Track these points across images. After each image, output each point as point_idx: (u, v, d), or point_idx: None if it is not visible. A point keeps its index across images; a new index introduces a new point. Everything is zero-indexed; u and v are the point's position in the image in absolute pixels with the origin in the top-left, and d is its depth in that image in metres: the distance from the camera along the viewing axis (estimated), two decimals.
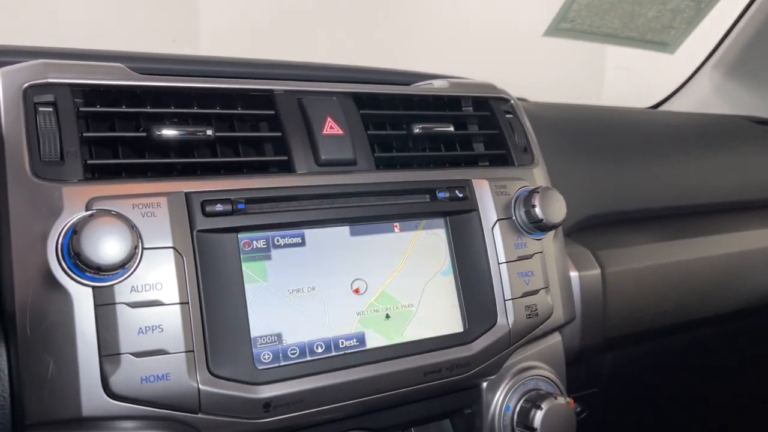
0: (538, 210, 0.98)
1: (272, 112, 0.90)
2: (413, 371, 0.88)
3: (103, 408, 0.71)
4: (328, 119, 0.92)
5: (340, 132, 0.92)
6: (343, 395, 0.84)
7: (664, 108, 1.99)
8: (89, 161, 0.77)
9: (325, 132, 0.91)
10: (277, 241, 0.84)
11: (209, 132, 0.84)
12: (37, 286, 0.70)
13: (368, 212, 0.90)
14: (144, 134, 0.81)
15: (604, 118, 1.53)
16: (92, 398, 0.70)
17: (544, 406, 0.98)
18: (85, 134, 0.78)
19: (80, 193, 0.73)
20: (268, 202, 0.84)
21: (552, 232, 1.05)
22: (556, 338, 1.10)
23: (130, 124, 0.84)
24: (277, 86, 0.92)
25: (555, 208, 0.99)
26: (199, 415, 0.75)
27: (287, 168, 0.88)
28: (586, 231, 1.27)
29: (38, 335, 0.70)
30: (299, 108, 0.92)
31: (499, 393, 1.02)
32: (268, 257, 0.83)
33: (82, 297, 0.71)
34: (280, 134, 0.89)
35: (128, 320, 0.72)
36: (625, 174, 1.40)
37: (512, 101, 1.14)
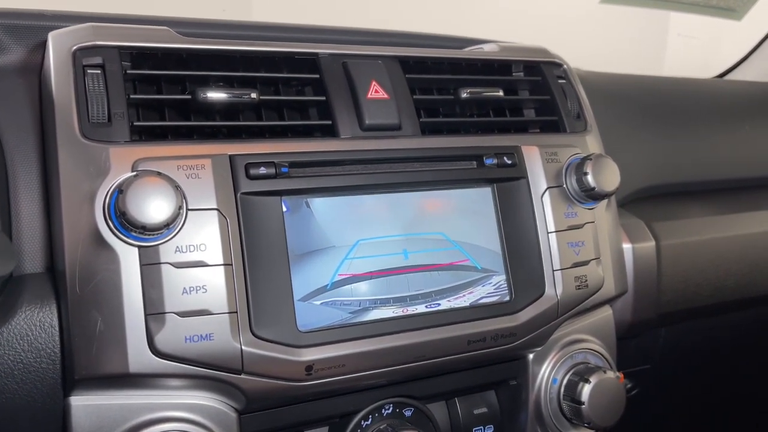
0: (590, 178, 0.95)
1: (317, 75, 0.89)
2: (457, 339, 0.87)
3: (148, 365, 0.72)
4: (373, 83, 0.90)
5: (385, 96, 0.90)
6: (385, 361, 0.83)
7: (729, 77, 1.89)
8: (136, 123, 0.78)
9: (369, 96, 0.89)
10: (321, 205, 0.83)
11: (254, 95, 0.83)
12: (86, 244, 0.72)
13: (412, 178, 0.89)
14: (189, 97, 0.81)
15: (663, 88, 1.46)
16: (138, 355, 0.71)
17: (593, 379, 0.96)
18: (131, 96, 0.79)
19: (126, 154, 0.74)
20: (312, 166, 0.83)
21: (604, 202, 1.02)
22: (606, 311, 1.06)
23: (175, 87, 0.85)
24: (322, 50, 0.91)
25: (608, 176, 0.95)
26: (242, 376, 0.75)
27: (331, 132, 0.87)
28: (641, 202, 1.22)
29: (87, 293, 0.71)
30: (344, 72, 0.90)
31: (546, 365, 1.00)
32: (312, 221, 0.83)
33: (128, 256, 0.72)
34: (324, 98, 0.88)
35: (173, 280, 0.73)
36: (685, 145, 1.34)
37: (565, 66, 1.10)
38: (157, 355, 0.72)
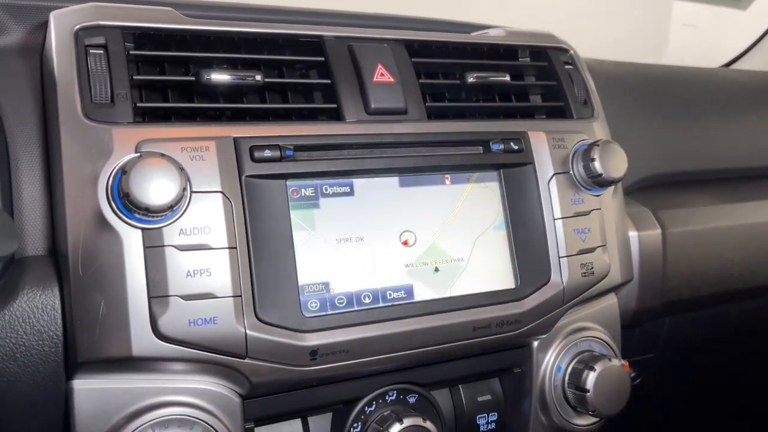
0: (597, 164, 0.94)
1: (322, 58, 0.88)
2: (462, 326, 0.86)
3: (152, 349, 0.71)
4: (379, 66, 0.89)
5: (391, 80, 0.89)
6: (390, 347, 0.82)
7: (735, 67, 1.87)
8: (139, 104, 0.77)
9: (375, 79, 0.88)
10: (326, 189, 0.83)
11: (258, 77, 0.82)
12: (88, 226, 0.71)
13: (418, 163, 0.88)
14: (193, 78, 0.80)
15: (669, 77, 1.45)
16: (142, 338, 0.71)
17: (598, 367, 0.95)
18: (135, 77, 0.77)
19: (130, 135, 0.73)
20: (317, 149, 0.82)
21: (611, 189, 1.01)
22: (611, 300, 1.06)
23: (179, 69, 0.83)
24: (326, 32, 0.90)
25: (615, 163, 0.94)
26: (246, 360, 0.75)
27: (336, 116, 0.86)
28: (647, 191, 1.21)
29: (89, 275, 0.70)
30: (349, 55, 0.89)
31: (551, 353, 0.99)
32: (317, 205, 0.82)
33: (131, 238, 0.71)
34: (329, 81, 0.87)
35: (176, 263, 0.72)
36: (691, 134, 1.33)
37: (572, 52, 1.09)
38: (160, 339, 0.71)
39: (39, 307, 0.72)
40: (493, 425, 1.01)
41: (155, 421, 0.73)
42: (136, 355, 0.71)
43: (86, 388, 0.73)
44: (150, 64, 0.82)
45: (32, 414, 0.73)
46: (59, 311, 0.73)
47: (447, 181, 0.90)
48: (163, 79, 0.80)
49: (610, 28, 2.19)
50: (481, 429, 1.00)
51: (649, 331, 1.19)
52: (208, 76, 0.79)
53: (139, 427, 0.73)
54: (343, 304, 0.81)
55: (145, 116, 0.78)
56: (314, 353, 0.77)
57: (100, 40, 0.77)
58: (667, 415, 1.43)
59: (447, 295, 0.87)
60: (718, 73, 1.69)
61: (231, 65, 0.84)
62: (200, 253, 0.73)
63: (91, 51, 0.77)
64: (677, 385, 1.38)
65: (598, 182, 0.95)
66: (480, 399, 1.01)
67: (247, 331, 0.74)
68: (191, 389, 0.76)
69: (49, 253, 0.78)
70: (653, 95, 1.34)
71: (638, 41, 2.25)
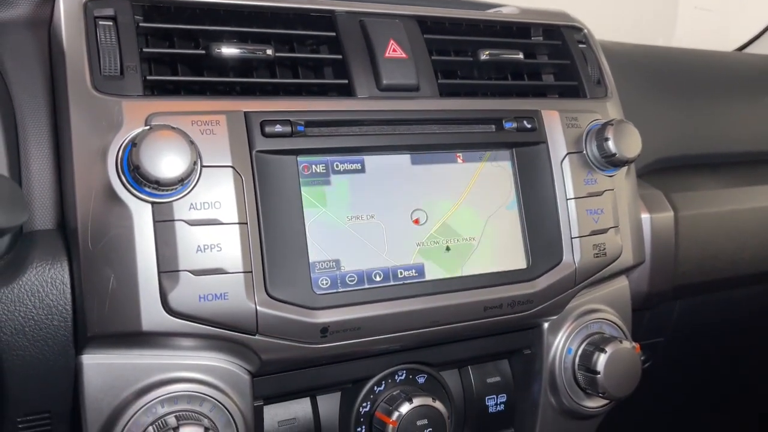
0: (611, 143, 0.92)
1: (333, 34, 0.87)
2: (473, 305, 0.85)
3: (162, 324, 0.70)
4: (391, 42, 0.88)
5: (403, 55, 0.88)
6: (401, 325, 0.82)
7: (748, 51, 1.85)
8: (149, 77, 0.76)
9: (387, 55, 0.87)
10: (337, 166, 0.82)
11: (269, 51, 0.81)
12: (98, 200, 0.70)
13: (430, 140, 0.86)
14: (203, 52, 0.79)
15: (682, 60, 1.43)
16: (152, 313, 0.70)
17: (609, 349, 0.94)
18: (144, 50, 0.76)
19: (140, 108, 0.72)
20: (328, 125, 0.81)
21: (624, 170, 0.99)
22: (622, 282, 1.05)
23: (188, 43, 0.82)
24: (338, 7, 0.88)
25: (630, 142, 0.93)
26: (257, 337, 0.74)
27: (347, 92, 0.85)
28: (659, 173, 1.20)
29: (99, 249, 0.70)
30: (361, 30, 0.88)
31: (561, 335, 0.98)
32: (328, 182, 0.81)
33: (141, 212, 0.70)
34: (340, 57, 0.86)
35: (187, 237, 0.71)
36: (703, 117, 1.31)
37: (585, 30, 1.07)
38: (170, 314, 0.70)
39: (48, 281, 0.72)
40: (502, 407, 1.00)
41: (164, 396, 0.73)
42: (146, 329, 0.70)
43: (95, 362, 0.72)
44: (159, 38, 0.81)
45: (42, 387, 0.72)
46: (68, 285, 0.73)
47: (459, 160, 0.89)
48: (174, 52, 0.79)
49: (621, 10, 2.17)
50: (490, 410, 0.99)
51: (659, 314, 1.18)
52: (218, 49, 0.78)
53: (149, 402, 0.72)
54: (354, 282, 0.80)
55: (155, 90, 0.77)
56: (325, 330, 0.77)
57: (109, 12, 0.76)
58: (674, 398, 1.43)
59: (458, 274, 0.86)
60: (732, 56, 1.67)
61: (241, 40, 0.83)
62: (211, 228, 0.72)
63: (100, 23, 0.76)
64: (685, 368, 1.37)
65: (612, 162, 0.94)
66: (489, 380, 1.00)
67: (258, 308, 0.73)
68: (201, 366, 0.76)
69: (57, 227, 0.78)
70: (667, 78, 1.32)
71: (649, 23, 2.23)
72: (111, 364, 0.73)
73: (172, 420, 0.71)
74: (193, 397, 0.74)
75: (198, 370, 0.75)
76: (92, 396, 0.72)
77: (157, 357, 0.74)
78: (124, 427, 0.71)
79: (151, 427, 0.71)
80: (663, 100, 1.27)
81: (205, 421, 0.72)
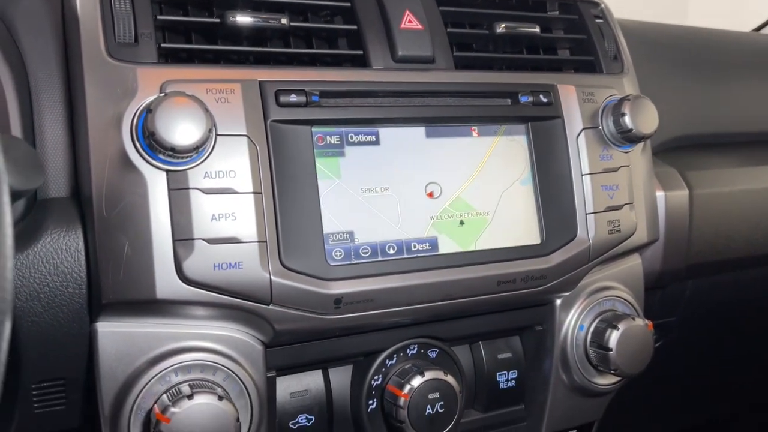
0: (627, 119, 0.91)
1: (348, 4, 0.86)
2: (486, 280, 0.85)
3: (176, 292, 0.70)
4: (407, 13, 0.87)
5: (419, 27, 0.87)
6: (414, 298, 0.81)
7: (765, 32, 1.83)
8: (163, 45, 0.75)
9: (403, 26, 0.86)
10: (351, 137, 0.81)
11: (284, 21, 0.80)
12: (112, 167, 0.70)
13: (445, 113, 0.86)
14: (218, 20, 0.78)
15: (698, 39, 1.41)
16: (166, 281, 0.70)
17: (621, 326, 0.94)
18: (159, 17, 0.76)
19: (154, 75, 0.72)
20: (343, 96, 0.80)
21: (640, 146, 0.98)
22: (636, 260, 1.04)
23: (203, 12, 0.81)
24: None
25: (646, 118, 0.92)
26: (271, 307, 0.74)
27: (362, 63, 0.84)
28: (674, 152, 1.19)
29: (113, 216, 0.70)
30: (376, 1, 0.87)
31: (574, 312, 0.98)
32: (342, 154, 0.80)
33: (156, 180, 0.70)
34: (355, 27, 0.85)
35: (201, 206, 0.71)
36: (719, 96, 1.30)
37: (602, 5, 1.06)
38: (185, 282, 0.70)
39: (63, 248, 0.72)
40: (513, 383, 1.00)
41: (178, 365, 0.73)
42: (161, 297, 0.70)
43: (110, 330, 0.72)
44: (172, 6, 0.80)
45: (56, 354, 0.73)
46: (83, 253, 0.73)
47: (474, 134, 0.88)
48: (188, 20, 0.78)
49: None
50: (501, 386, 0.99)
51: (672, 294, 1.17)
52: (233, 17, 0.77)
53: (162, 371, 0.73)
54: (368, 254, 0.80)
55: (168, 58, 0.76)
56: (338, 301, 0.77)
57: None
58: (684, 378, 1.43)
59: (471, 248, 0.86)
60: (749, 37, 1.64)
61: (255, 8, 0.82)
62: (225, 197, 0.72)
63: None
64: (696, 349, 1.37)
65: (628, 138, 0.93)
66: (500, 356, 1.00)
67: (272, 277, 0.73)
68: (214, 335, 0.76)
69: (71, 195, 0.78)
70: (681, 56, 1.30)
71: (662, 4, 2.20)
72: (125, 332, 0.73)
73: (185, 388, 0.71)
74: (206, 367, 0.74)
75: (212, 340, 0.75)
76: (106, 363, 0.72)
77: (171, 326, 0.74)
78: (138, 394, 0.72)
79: (165, 395, 0.71)
80: (679, 78, 1.26)
81: (219, 390, 0.72)
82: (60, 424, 0.77)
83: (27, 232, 0.71)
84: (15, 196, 0.60)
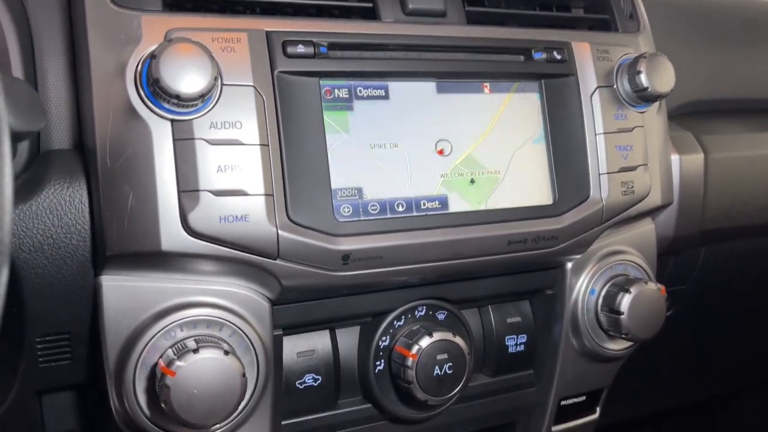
0: (643, 77, 0.89)
1: None
2: (497, 239, 0.83)
3: (182, 244, 0.69)
4: None
5: None
6: (423, 256, 0.80)
7: None
8: None
9: None
10: (360, 91, 0.79)
11: None
12: (116, 116, 0.68)
13: (457, 68, 0.84)
14: None
15: (716, 3, 1.38)
16: (171, 233, 0.69)
17: (633, 290, 0.92)
18: None
19: (159, 22, 0.70)
20: (352, 48, 0.78)
21: (655, 106, 0.96)
22: (649, 225, 1.02)
23: None
24: None
25: (663, 76, 0.90)
26: (278, 261, 0.73)
27: (371, 15, 0.82)
28: (689, 116, 1.16)
29: (118, 166, 0.68)
30: None
31: (585, 276, 0.96)
32: (350, 108, 0.78)
33: (160, 129, 0.68)
34: None
35: (207, 157, 0.69)
36: (736, 61, 1.27)
37: None
38: (190, 234, 0.69)
39: (66, 199, 0.71)
40: (522, 347, 0.99)
41: (183, 320, 0.72)
42: (166, 249, 0.69)
43: (114, 284, 0.71)
44: None
45: (60, 308, 0.72)
46: (86, 205, 0.71)
47: (486, 90, 0.86)
48: None
49: None
50: (510, 350, 0.98)
51: (684, 261, 1.16)
52: None
53: (167, 326, 0.72)
54: (377, 211, 0.78)
55: (173, 7, 0.74)
56: (346, 258, 0.75)
57: None
58: (696, 346, 1.41)
59: (482, 207, 0.84)
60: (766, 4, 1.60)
61: None
62: (231, 149, 0.70)
63: None
64: (708, 318, 1.35)
65: (644, 97, 0.91)
66: (509, 320, 0.98)
67: (279, 231, 0.72)
68: (221, 291, 0.74)
69: (74, 147, 0.76)
70: (700, 21, 1.27)
71: None
72: (130, 286, 0.72)
73: (191, 343, 0.70)
74: (212, 322, 0.73)
75: (218, 295, 0.74)
76: (111, 318, 0.71)
77: (177, 281, 0.73)
78: (143, 349, 0.71)
79: (170, 350, 0.70)
80: (696, 42, 1.23)
81: (225, 345, 0.71)
82: (66, 378, 0.77)
83: (29, 183, 0.70)
84: (16, 137, 0.59)
